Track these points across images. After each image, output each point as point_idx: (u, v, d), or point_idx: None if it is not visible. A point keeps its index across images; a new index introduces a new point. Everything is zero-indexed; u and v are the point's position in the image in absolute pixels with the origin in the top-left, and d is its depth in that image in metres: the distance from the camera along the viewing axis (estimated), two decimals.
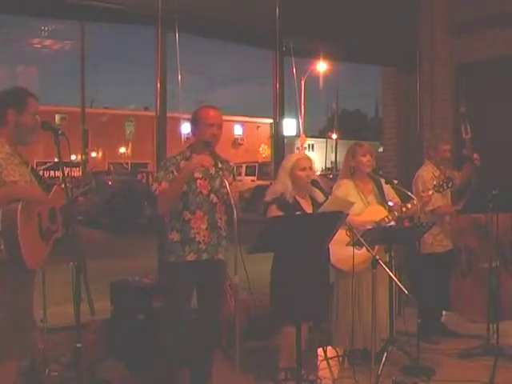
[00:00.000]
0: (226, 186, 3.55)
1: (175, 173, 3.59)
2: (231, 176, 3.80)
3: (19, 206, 2.81)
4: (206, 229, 3.66)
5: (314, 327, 4.78)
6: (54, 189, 3.19)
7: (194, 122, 3.73)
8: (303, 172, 4.11)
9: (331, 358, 4.66)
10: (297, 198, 4.10)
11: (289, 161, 4.20)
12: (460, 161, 5.73)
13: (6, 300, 2.93)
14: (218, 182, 3.71)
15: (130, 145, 39.54)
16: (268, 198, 4.11)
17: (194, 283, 3.70)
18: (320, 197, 4.15)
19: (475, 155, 5.27)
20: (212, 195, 3.69)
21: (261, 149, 42.28)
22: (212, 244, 3.69)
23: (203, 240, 3.65)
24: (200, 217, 3.64)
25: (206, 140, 3.67)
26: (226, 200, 3.69)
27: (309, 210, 4.11)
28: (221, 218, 3.74)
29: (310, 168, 4.15)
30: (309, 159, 4.26)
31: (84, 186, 17.93)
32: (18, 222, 2.79)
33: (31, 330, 3.24)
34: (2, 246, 2.81)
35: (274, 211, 3.98)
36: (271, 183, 4.53)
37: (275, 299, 4.14)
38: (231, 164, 3.92)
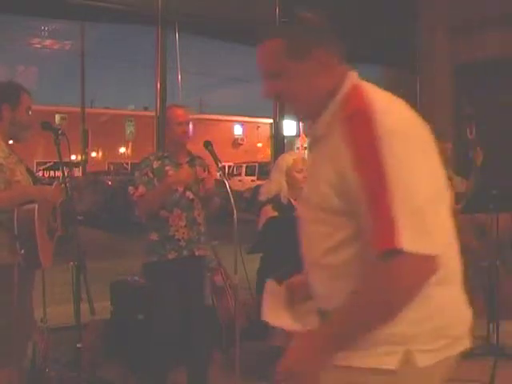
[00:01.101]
0: (225, 187, 3.51)
1: (149, 174, 3.60)
2: (205, 172, 3.74)
3: (36, 208, 2.76)
4: (185, 226, 3.64)
5: None
6: (53, 186, 3.18)
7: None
8: (300, 174, 4.07)
9: None
10: (290, 199, 4.08)
11: (284, 161, 4.12)
12: (464, 163, 5.70)
13: (10, 302, 2.88)
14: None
15: (130, 145, 39.49)
16: (263, 197, 4.07)
17: (176, 281, 3.66)
18: None
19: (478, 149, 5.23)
20: (188, 192, 3.67)
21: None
22: (192, 240, 3.67)
23: (182, 237, 3.63)
24: (178, 214, 3.62)
25: (177, 138, 3.68)
26: (201, 196, 3.69)
27: None
28: (199, 214, 3.71)
29: (306, 170, 4.13)
30: (304, 160, 4.23)
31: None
32: (35, 224, 2.75)
33: (31, 332, 3.23)
34: (23, 251, 2.76)
35: (270, 211, 3.94)
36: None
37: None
38: (206, 161, 3.88)
